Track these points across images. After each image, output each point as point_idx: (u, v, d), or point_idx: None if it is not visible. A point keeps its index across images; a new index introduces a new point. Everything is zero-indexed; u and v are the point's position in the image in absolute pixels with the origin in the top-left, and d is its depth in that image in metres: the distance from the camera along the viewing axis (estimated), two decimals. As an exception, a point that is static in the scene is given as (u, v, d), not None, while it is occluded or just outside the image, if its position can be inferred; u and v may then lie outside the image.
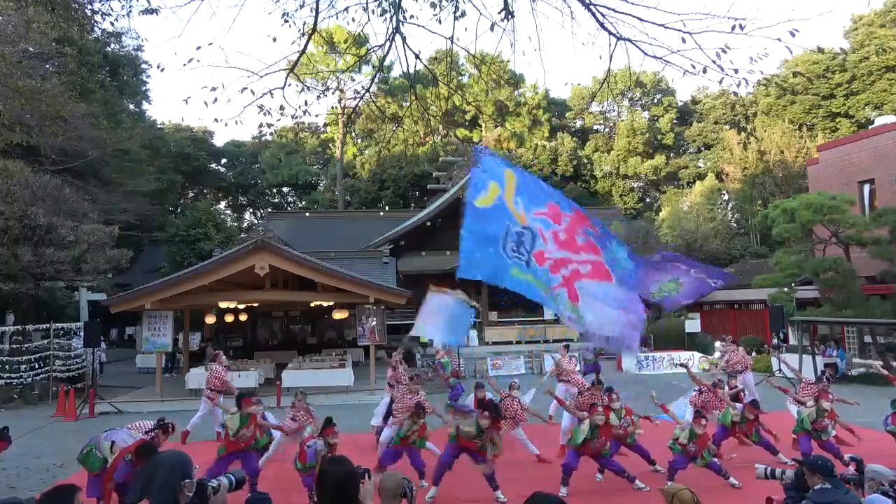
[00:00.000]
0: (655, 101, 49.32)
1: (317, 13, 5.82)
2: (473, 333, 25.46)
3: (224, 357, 12.14)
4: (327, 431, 7.22)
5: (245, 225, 48.22)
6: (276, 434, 9.07)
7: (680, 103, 49.75)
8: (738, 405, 9.17)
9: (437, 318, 8.17)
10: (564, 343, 14.56)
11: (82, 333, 18.20)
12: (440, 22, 6.02)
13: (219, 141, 50.01)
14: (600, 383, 9.83)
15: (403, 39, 5.86)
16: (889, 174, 20.62)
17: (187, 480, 2.50)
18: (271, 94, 5.84)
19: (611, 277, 5.50)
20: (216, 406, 10.92)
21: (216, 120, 40.34)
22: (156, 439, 6.92)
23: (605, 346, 7.47)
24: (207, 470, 6.98)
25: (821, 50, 36.53)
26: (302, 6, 6.02)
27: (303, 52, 6.09)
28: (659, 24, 5.17)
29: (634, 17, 5.21)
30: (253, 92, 5.71)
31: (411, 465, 8.01)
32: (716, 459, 7.95)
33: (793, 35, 4.72)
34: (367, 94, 6.81)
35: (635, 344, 5.87)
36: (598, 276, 5.49)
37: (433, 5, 5.93)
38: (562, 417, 10.37)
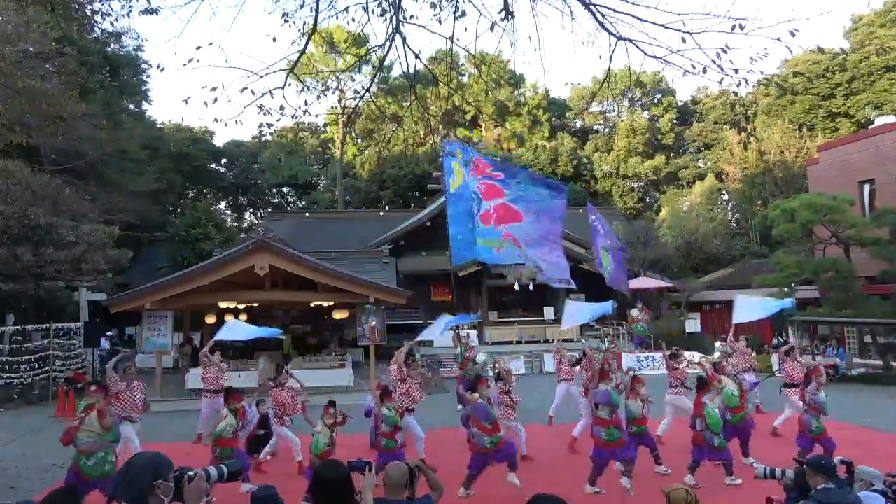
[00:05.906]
0: (655, 101, 49.26)
1: (317, 13, 5.83)
2: (473, 333, 25.44)
3: (217, 355, 12.16)
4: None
5: (245, 225, 48.17)
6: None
7: (680, 103, 49.68)
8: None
9: None
10: (558, 346, 14.37)
11: (82, 333, 18.22)
12: (440, 22, 6.03)
13: (219, 141, 49.94)
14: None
15: (403, 39, 5.86)
16: (889, 174, 20.61)
17: (160, 482, 2.50)
18: (271, 94, 5.84)
19: (521, 217, 6.35)
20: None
21: (216, 120, 40.30)
22: None
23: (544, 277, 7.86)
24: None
25: (821, 50, 36.32)
26: (302, 6, 6.02)
27: (303, 52, 6.09)
28: (659, 24, 5.17)
29: (634, 17, 5.21)
30: (253, 92, 5.71)
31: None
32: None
33: (793, 35, 4.72)
34: (367, 94, 6.81)
35: (566, 274, 6.69)
36: (511, 219, 6.33)
37: (433, 5, 5.93)
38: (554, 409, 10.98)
